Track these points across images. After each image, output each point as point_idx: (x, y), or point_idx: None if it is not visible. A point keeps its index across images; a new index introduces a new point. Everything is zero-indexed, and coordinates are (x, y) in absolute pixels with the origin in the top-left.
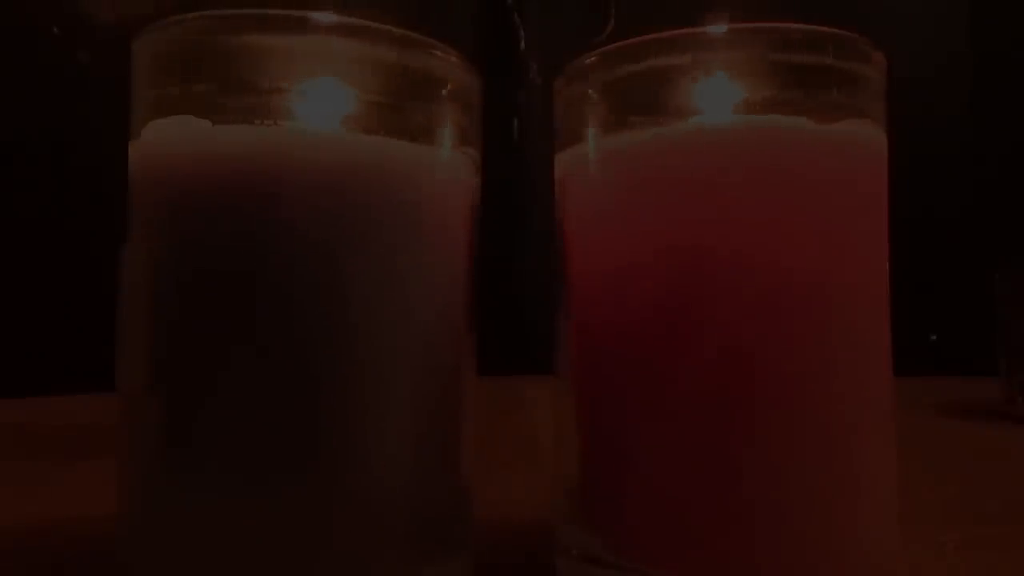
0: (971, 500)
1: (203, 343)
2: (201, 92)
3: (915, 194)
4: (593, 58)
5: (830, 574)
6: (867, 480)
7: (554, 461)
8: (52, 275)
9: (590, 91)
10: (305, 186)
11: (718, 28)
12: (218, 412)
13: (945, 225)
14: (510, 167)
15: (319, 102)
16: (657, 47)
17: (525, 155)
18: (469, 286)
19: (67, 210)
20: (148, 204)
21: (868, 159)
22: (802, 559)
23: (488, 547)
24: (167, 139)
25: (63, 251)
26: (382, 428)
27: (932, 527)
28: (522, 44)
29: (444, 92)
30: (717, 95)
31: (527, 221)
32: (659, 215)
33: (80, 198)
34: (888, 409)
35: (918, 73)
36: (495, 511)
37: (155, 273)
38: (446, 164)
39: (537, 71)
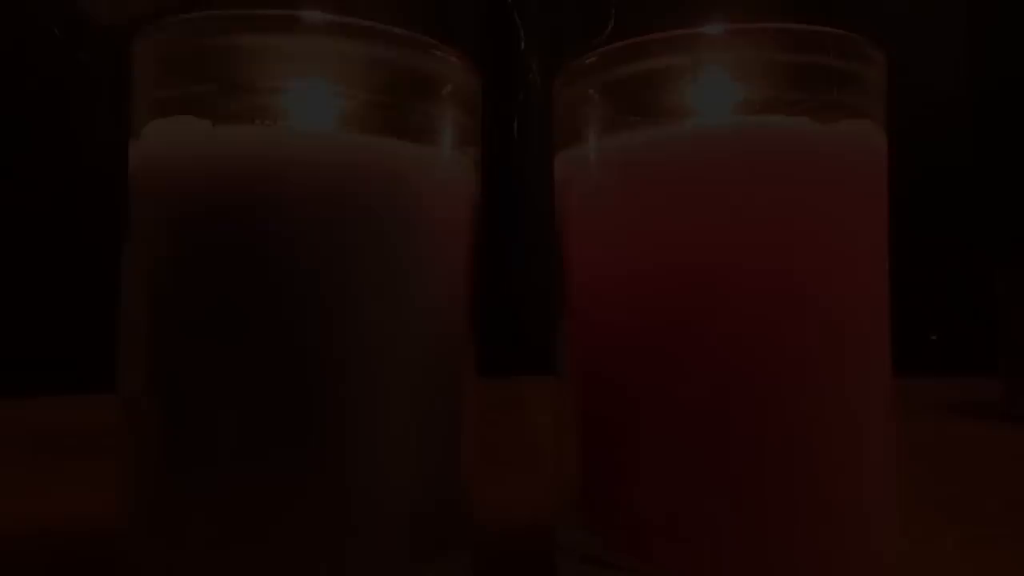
0: (971, 500)
1: (203, 343)
2: (201, 92)
3: (915, 193)
4: (593, 58)
5: (830, 573)
6: (867, 480)
7: (554, 461)
8: (52, 275)
9: (590, 91)
10: (305, 186)
11: (718, 28)
12: (218, 412)
13: (945, 225)
14: (510, 167)
15: (319, 102)
16: (657, 47)
17: (525, 155)
18: (469, 286)
19: (67, 210)
20: (148, 204)
21: (868, 159)
22: (802, 559)
23: (488, 547)
24: (167, 139)
25: (63, 251)
26: (382, 428)
27: (932, 527)
28: (522, 44)
29: (444, 92)
30: (717, 95)
31: (527, 221)
32: (659, 215)
33: (80, 198)
34: (888, 409)
35: (918, 73)
36: (495, 511)
37: (155, 273)
38: (446, 164)
39: (537, 71)
